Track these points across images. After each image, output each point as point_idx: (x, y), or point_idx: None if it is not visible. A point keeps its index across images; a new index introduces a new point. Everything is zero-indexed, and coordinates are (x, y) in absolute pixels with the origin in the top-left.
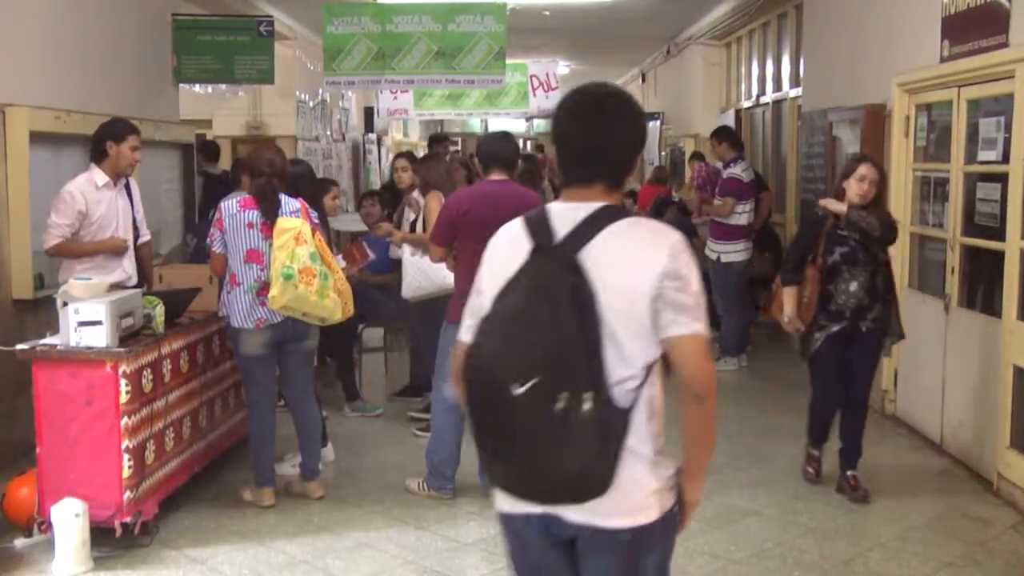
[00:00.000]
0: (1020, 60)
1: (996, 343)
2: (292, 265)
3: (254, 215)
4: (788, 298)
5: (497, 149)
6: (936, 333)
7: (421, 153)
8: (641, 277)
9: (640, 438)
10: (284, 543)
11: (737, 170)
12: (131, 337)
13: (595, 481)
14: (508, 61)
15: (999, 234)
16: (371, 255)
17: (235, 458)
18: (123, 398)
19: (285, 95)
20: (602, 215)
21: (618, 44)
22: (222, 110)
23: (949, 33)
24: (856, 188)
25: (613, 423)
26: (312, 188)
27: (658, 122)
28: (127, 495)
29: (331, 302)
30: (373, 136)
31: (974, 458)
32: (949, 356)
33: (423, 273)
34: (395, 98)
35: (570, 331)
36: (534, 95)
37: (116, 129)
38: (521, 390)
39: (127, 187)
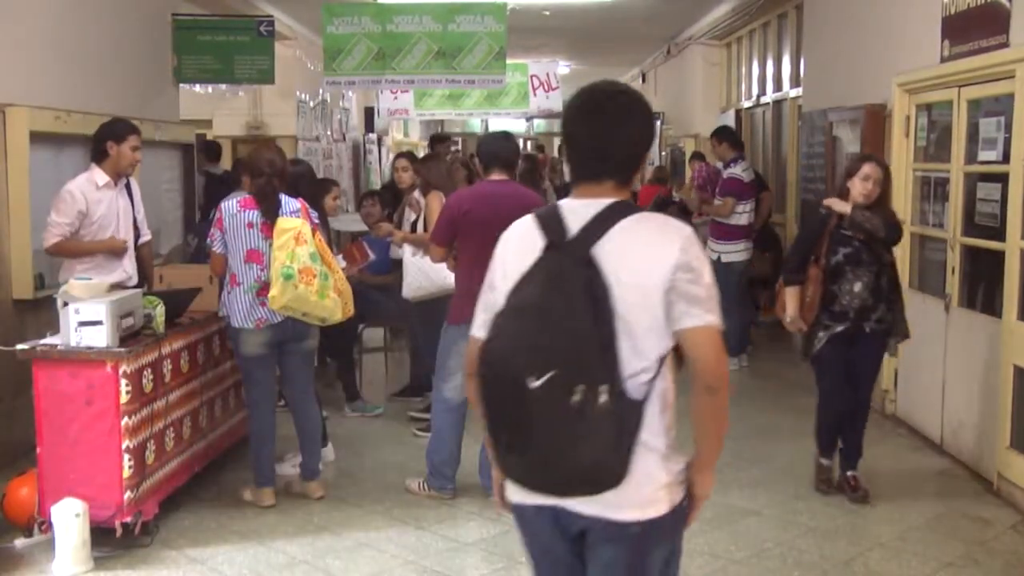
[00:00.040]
0: (1020, 60)
1: (996, 343)
2: (292, 265)
3: (254, 215)
4: (790, 298)
5: (497, 149)
6: (936, 333)
7: (422, 153)
8: (654, 270)
9: (653, 431)
10: (284, 543)
11: (737, 170)
12: (131, 337)
13: (609, 474)
14: (508, 61)
15: (999, 234)
16: (371, 255)
17: (235, 458)
18: (123, 398)
19: (285, 95)
20: (613, 211)
21: (618, 44)
22: (222, 110)
23: (949, 33)
24: (860, 187)
25: (628, 416)
26: (313, 188)
27: (658, 122)
28: (127, 495)
29: (331, 302)
30: (373, 136)
31: (974, 458)
32: (949, 356)
33: (424, 273)
34: (395, 98)
35: (585, 324)
36: (534, 95)
37: (117, 129)
38: (537, 383)
39: (128, 187)
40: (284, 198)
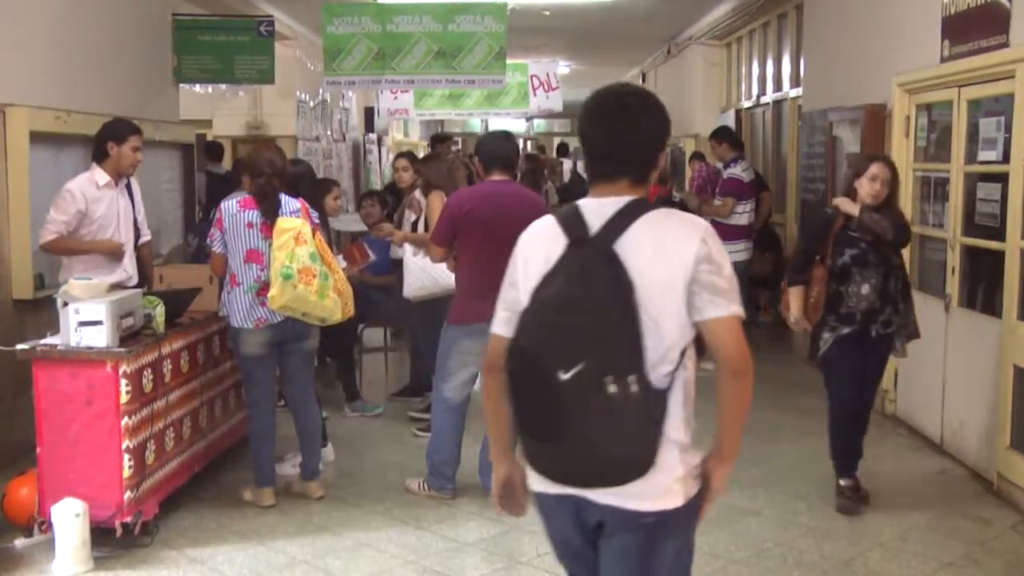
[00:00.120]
0: (1020, 60)
1: (996, 343)
2: (291, 265)
3: (254, 215)
4: (794, 298)
5: (497, 149)
6: (936, 333)
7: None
8: (676, 264)
9: (674, 422)
10: (284, 543)
11: (737, 170)
12: (131, 337)
13: (638, 463)
14: (508, 61)
15: (999, 234)
16: (372, 256)
17: (235, 458)
18: (123, 398)
19: (285, 95)
20: (632, 208)
21: (618, 44)
22: (222, 110)
23: (949, 33)
24: (868, 188)
25: (655, 406)
26: (313, 188)
27: None
28: (127, 495)
29: (331, 302)
30: (373, 136)
31: (974, 458)
32: (949, 356)
33: (426, 273)
34: (395, 98)
35: (613, 317)
36: (534, 95)
37: (118, 129)
38: (567, 376)
39: (128, 187)
40: (284, 198)
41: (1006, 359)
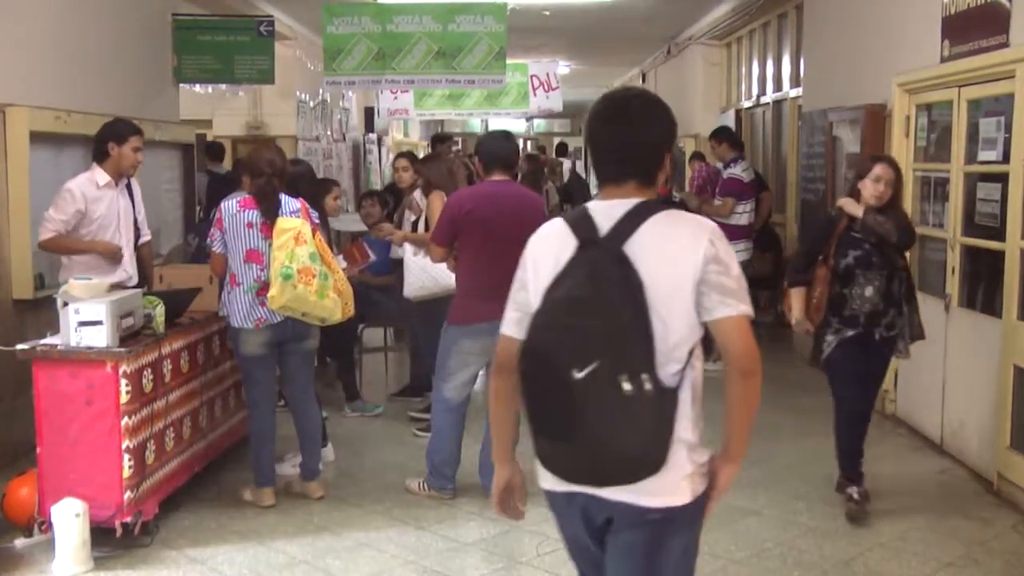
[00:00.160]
0: (1020, 60)
1: (996, 343)
2: (291, 265)
3: (254, 215)
4: (796, 298)
5: (497, 149)
6: (936, 333)
7: (422, 153)
8: (685, 264)
9: (683, 420)
10: (284, 543)
11: (737, 170)
12: (131, 337)
13: (651, 461)
14: (508, 61)
15: (999, 234)
16: (372, 256)
17: (235, 458)
18: (123, 398)
19: (285, 95)
20: (640, 210)
21: (618, 44)
22: (222, 110)
23: (949, 33)
24: (872, 189)
25: (667, 403)
26: (313, 188)
27: None
28: (127, 495)
29: (331, 302)
30: (373, 136)
31: (974, 458)
32: (949, 356)
33: (426, 273)
34: (395, 98)
35: (624, 317)
36: (534, 95)
37: (118, 129)
38: (581, 375)
39: (128, 187)
40: (284, 198)
41: (1006, 359)
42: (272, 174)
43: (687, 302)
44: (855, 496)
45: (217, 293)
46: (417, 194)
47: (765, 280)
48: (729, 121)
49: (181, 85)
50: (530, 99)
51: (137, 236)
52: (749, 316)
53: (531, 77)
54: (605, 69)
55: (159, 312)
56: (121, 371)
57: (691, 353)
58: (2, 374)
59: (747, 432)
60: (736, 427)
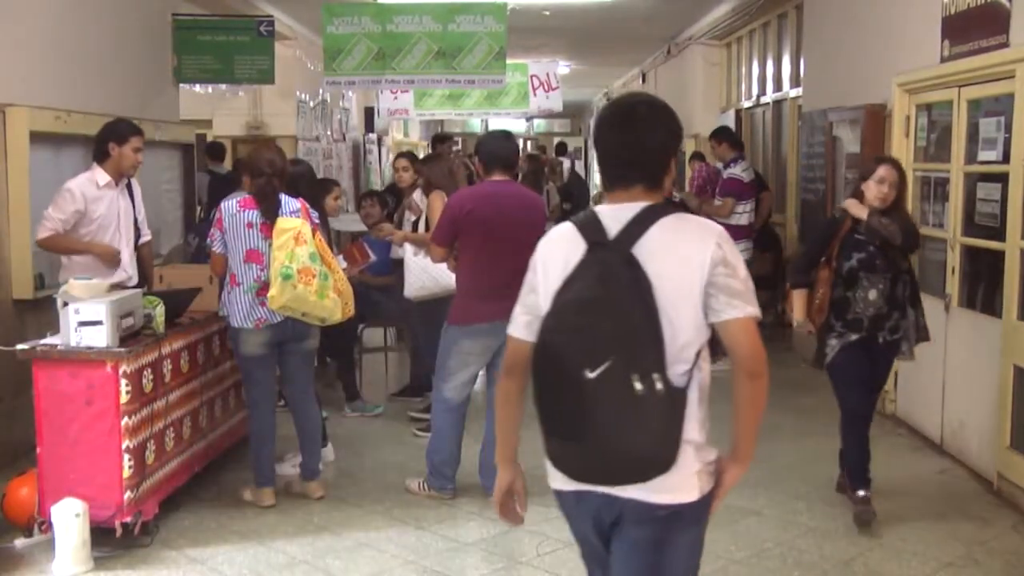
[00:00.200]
0: (1020, 60)
1: (996, 343)
2: (291, 265)
3: (254, 215)
4: (798, 300)
5: (497, 149)
6: (936, 333)
7: (422, 153)
8: (693, 267)
9: (691, 420)
10: (284, 543)
11: (737, 170)
12: (131, 337)
13: (660, 461)
14: (508, 61)
15: (999, 234)
16: (372, 256)
17: (235, 458)
18: (123, 398)
19: (285, 95)
20: (648, 213)
21: (618, 44)
22: (222, 110)
23: (949, 33)
24: (876, 191)
25: (678, 404)
26: (313, 188)
27: None
28: (127, 495)
29: (331, 302)
30: (373, 136)
31: (974, 458)
32: (949, 356)
33: (427, 273)
34: (395, 98)
35: (635, 317)
36: (534, 95)
37: (119, 130)
38: (593, 374)
39: (128, 187)
40: (284, 198)
41: (1006, 359)
42: (272, 174)
43: (695, 304)
44: (862, 499)
45: (217, 293)
46: (417, 194)
47: (765, 280)
48: (729, 121)
49: (181, 85)
50: (530, 99)
51: (137, 236)
52: (756, 318)
53: (531, 77)
54: (605, 69)
55: (159, 312)
56: (121, 371)
57: (698, 354)
58: (2, 374)
59: (754, 433)
60: (743, 428)
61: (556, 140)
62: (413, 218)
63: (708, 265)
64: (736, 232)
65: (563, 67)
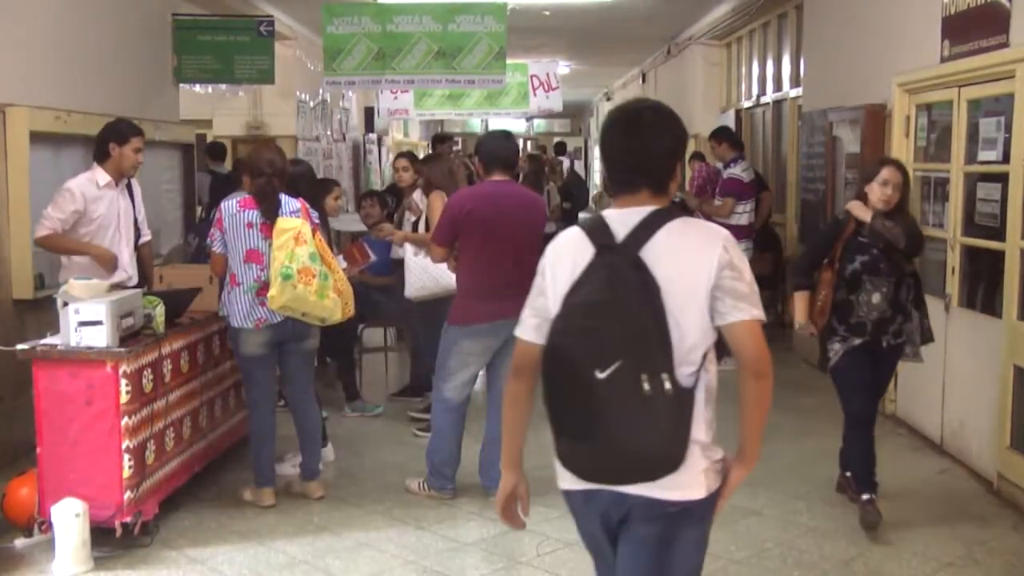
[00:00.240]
0: (1020, 60)
1: (996, 343)
2: (291, 265)
3: (254, 215)
4: (799, 302)
5: (497, 149)
6: (936, 333)
7: (422, 153)
8: (700, 270)
9: (698, 421)
10: (284, 543)
11: (737, 170)
12: (131, 337)
13: (670, 458)
14: (508, 61)
15: (999, 234)
16: (372, 256)
17: (235, 458)
18: (123, 398)
19: (285, 95)
20: (655, 217)
21: (618, 44)
22: (222, 110)
23: (949, 33)
24: (879, 193)
25: (685, 404)
26: (313, 188)
27: None
28: (127, 495)
29: (331, 302)
30: (373, 136)
31: (974, 458)
32: (949, 356)
33: (427, 273)
34: (395, 98)
35: (644, 319)
36: (534, 95)
37: (120, 130)
38: (603, 375)
39: (129, 187)
40: (284, 198)
41: (1006, 359)
42: (272, 174)
43: (702, 306)
44: (867, 502)
45: (217, 293)
46: (417, 194)
47: (765, 280)
48: (729, 121)
49: (181, 85)
50: (530, 99)
51: (137, 236)
52: (761, 320)
53: (531, 77)
54: (605, 69)
55: (159, 312)
56: (121, 371)
57: (705, 356)
58: (2, 374)
59: (760, 433)
60: (749, 428)
61: (556, 140)
62: (413, 218)
63: (715, 268)
64: (736, 232)
65: (563, 67)
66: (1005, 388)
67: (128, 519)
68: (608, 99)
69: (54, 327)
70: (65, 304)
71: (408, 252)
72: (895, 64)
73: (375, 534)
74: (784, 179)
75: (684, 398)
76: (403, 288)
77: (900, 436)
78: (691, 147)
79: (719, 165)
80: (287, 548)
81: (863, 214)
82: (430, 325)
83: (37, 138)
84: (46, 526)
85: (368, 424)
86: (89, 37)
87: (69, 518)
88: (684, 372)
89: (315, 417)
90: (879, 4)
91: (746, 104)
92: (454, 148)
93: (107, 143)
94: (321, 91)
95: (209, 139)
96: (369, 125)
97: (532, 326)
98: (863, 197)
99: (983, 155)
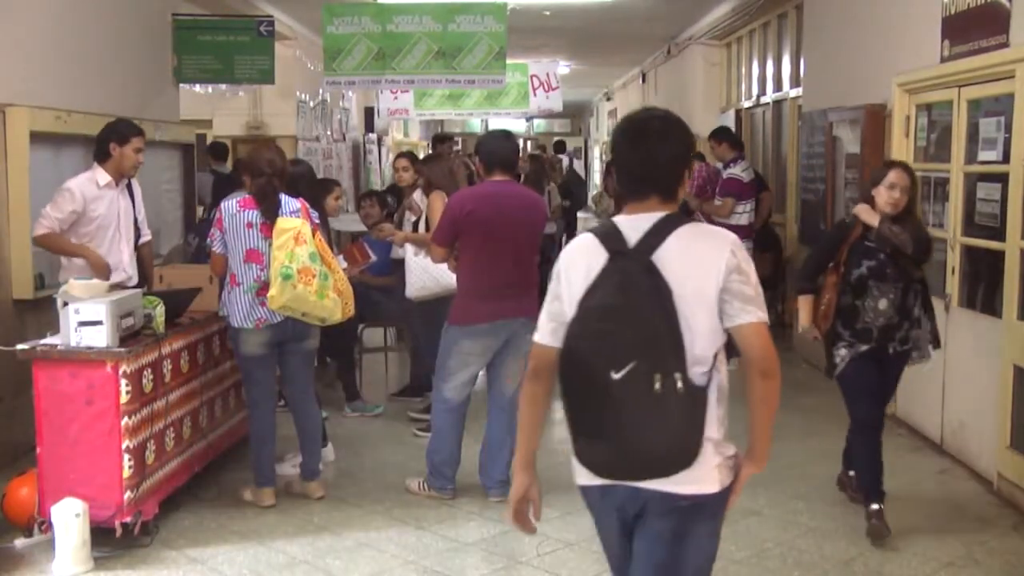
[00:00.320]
0: (1020, 60)
1: (996, 343)
2: (291, 265)
3: (254, 215)
4: (803, 306)
5: (497, 149)
6: None
7: (422, 153)
8: (709, 274)
9: (710, 419)
10: (284, 543)
11: (737, 170)
12: (131, 337)
13: (683, 454)
14: (508, 61)
15: (999, 234)
16: (372, 256)
17: (235, 458)
18: (123, 398)
19: (285, 95)
20: (665, 223)
21: (618, 44)
22: (222, 110)
23: (949, 33)
24: (886, 196)
25: (698, 403)
26: (314, 188)
27: None
28: (127, 495)
29: (331, 302)
30: (373, 136)
31: (974, 458)
32: (949, 356)
33: (427, 273)
34: (395, 98)
35: (657, 321)
36: (534, 95)
37: (120, 130)
38: (618, 375)
39: (129, 187)
40: (284, 198)
41: (1006, 359)
42: (272, 174)
43: (711, 309)
44: (875, 512)
45: (217, 293)
46: (417, 194)
47: (765, 280)
48: (729, 121)
49: (181, 85)
50: (530, 99)
51: (137, 236)
52: (767, 322)
53: (531, 77)
54: (605, 69)
55: (159, 312)
56: (121, 371)
57: (715, 356)
58: (2, 374)
59: (769, 431)
60: (758, 427)
61: (555, 139)
62: (413, 218)
63: (723, 272)
64: (736, 232)
65: (563, 67)
66: (1005, 388)
67: (128, 519)
68: (608, 99)
69: (54, 327)
70: (65, 304)
71: (408, 252)
72: (895, 64)
73: (375, 534)
74: (784, 179)
75: (697, 397)
76: (403, 288)
77: (900, 436)
78: None
79: (719, 165)
80: (287, 548)
81: (870, 218)
82: (430, 325)
83: (37, 138)
84: (46, 526)
85: (368, 424)
86: (89, 37)
87: (69, 518)
88: (697, 372)
89: (315, 417)
90: (879, 4)
91: (746, 104)
92: (454, 148)
93: (107, 143)
94: (321, 91)
95: (209, 139)
96: (369, 125)
97: (549, 330)
98: (870, 201)
99: (983, 155)
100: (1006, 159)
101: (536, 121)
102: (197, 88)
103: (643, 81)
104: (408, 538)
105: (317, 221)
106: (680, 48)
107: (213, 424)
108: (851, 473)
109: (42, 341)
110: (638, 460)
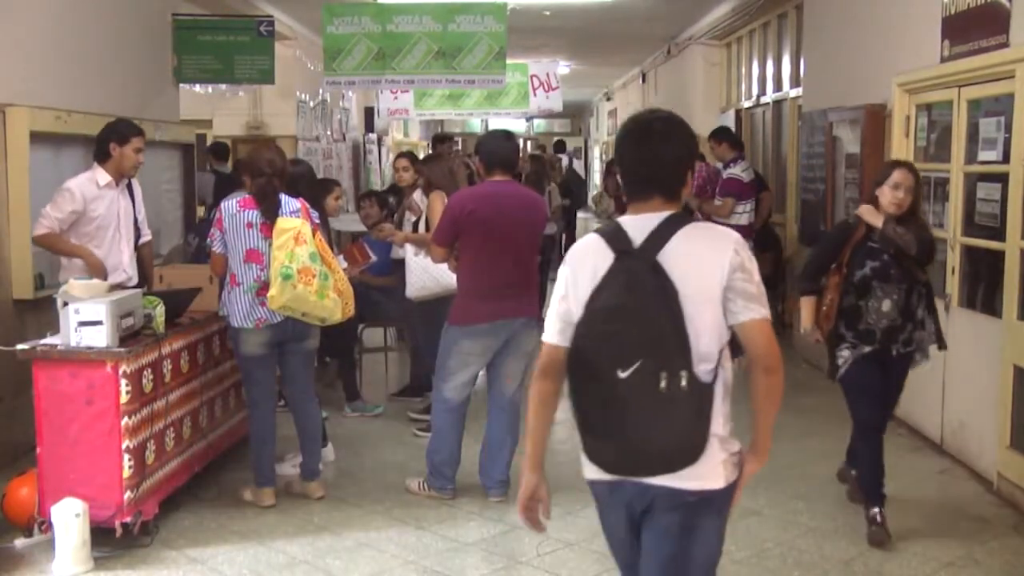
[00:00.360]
0: (1020, 60)
1: (996, 343)
2: (291, 265)
3: (254, 215)
4: (805, 307)
5: (497, 149)
6: None
7: (422, 153)
8: (714, 272)
9: (715, 416)
10: (284, 543)
11: (737, 170)
12: (131, 337)
13: (689, 450)
14: (508, 61)
15: (999, 234)
16: (372, 257)
17: (235, 458)
18: (123, 398)
19: (285, 95)
20: (670, 223)
21: (618, 44)
22: (222, 110)
23: (949, 33)
24: (891, 196)
25: (704, 400)
26: (314, 188)
27: None
28: (127, 495)
29: (331, 302)
30: (373, 136)
31: (974, 458)
32: (949, 356)
33: (428, 273)
34: (395, 98)
35: (663, 319)
36: (534, 95)
37: (121, 130)
38: (626, 373)
39: (129, 187)
40: (284, 198)
41: (1006, 359)
42: (272, 174)
43: (716, 307)
44: (876, 516)
45: (217, 293)
46: (417, 195)
47: (765, 280)
48: (729, 121)
49: (181, 85)
50: (530, 99)
51: (137, 236)
52: (769, 319)
53: (531, 77)
54: (605, 69)
55: (159, 312)
56: (121, 371)
57: (720, 353)
58: (2, 374)
59: (771, 427)
60: (762, 422)
61: (555, 139)
62: (413, 218)
63: (727, 270)
64: (736, 232)
65: (563, 67)
66: (1005, 388)
67: (128, 519)
68: (608, 99)
69: (54, 327)
70: (65, 304)
71: (408, 252)
72: (895, 64)
73: (375, 534)
74: (784, 179)
75: (703, 394)
76: (403, 288)
77: (900, 436)
78: None
79: (719, 165)
80: (287, 548)
81: (874, 219)
82: (430, 325)
83: (37, 138)
84: (46, 526)
85: (368, 424)
86: (89, 37)
87: (69, 518)
88: (703, 369)
89: (315, 417)
90: (879, 4)
91: (746, 104)
92: (454, 148)
93: (107, 143)
94: (321, 91)
95: (209, 139)
96: (369, 125)
97: (557, 330)
98: (874, 200)
99: (983, 155)
100: (1006, 159)
101: (536, 121)
102: (197, 88)
103: (643, 81)
104: (408, 538)
105: (317, 221)
106: (680, 48)
107: (213, 424)
108: (854, 472)
109: (42, 341)
110: (645, 457)
